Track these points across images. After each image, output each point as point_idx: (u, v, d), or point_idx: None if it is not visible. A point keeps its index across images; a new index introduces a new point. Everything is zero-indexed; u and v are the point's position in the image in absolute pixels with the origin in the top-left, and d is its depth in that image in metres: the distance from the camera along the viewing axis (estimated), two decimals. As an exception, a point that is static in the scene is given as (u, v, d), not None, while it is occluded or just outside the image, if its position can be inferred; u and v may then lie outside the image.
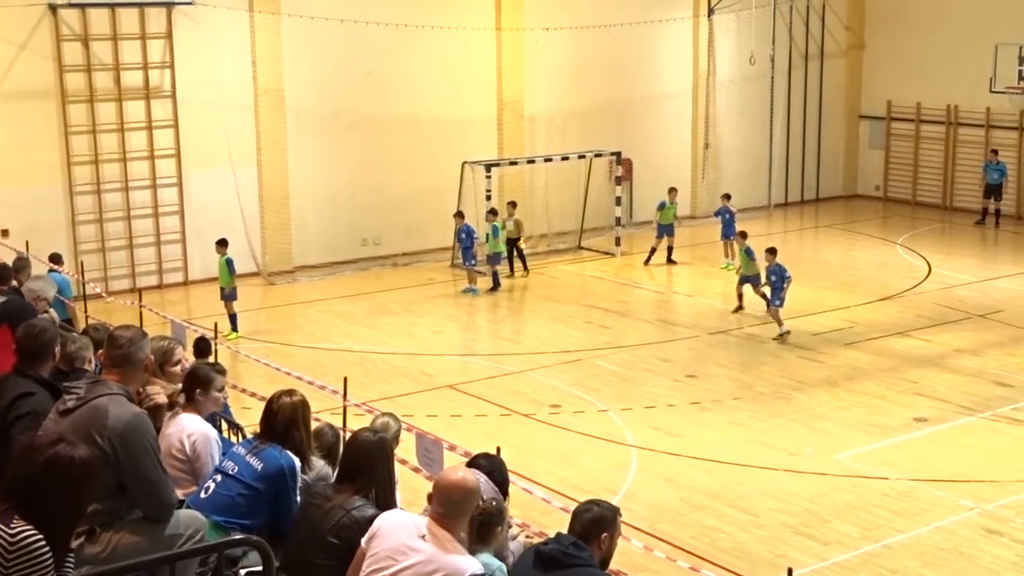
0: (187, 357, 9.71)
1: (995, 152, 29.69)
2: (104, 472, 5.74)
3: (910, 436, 15.74)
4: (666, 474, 14.48)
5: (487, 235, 23.79)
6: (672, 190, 26.08)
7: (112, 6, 22.60)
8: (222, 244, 20.77)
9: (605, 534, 6.01)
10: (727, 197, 25.97)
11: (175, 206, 23.85)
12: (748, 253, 21.15)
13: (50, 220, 22.41)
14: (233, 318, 20.26)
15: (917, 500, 13.62)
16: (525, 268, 24.96)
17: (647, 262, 25.55)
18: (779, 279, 20.19)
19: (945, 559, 12.22)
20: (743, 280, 21.34)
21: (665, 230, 25.54)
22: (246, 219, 24.44)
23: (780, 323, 20.12)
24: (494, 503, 6.28)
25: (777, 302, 20.19)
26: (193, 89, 23.53)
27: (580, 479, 14.24)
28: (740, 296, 21.47)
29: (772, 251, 20.77)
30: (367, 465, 6.49)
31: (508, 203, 25.25)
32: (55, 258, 18.65)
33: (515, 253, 24.78)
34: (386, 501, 6.45)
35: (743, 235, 21.86)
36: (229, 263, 20.43)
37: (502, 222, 24.03)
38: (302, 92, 24.73)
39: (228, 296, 20.33)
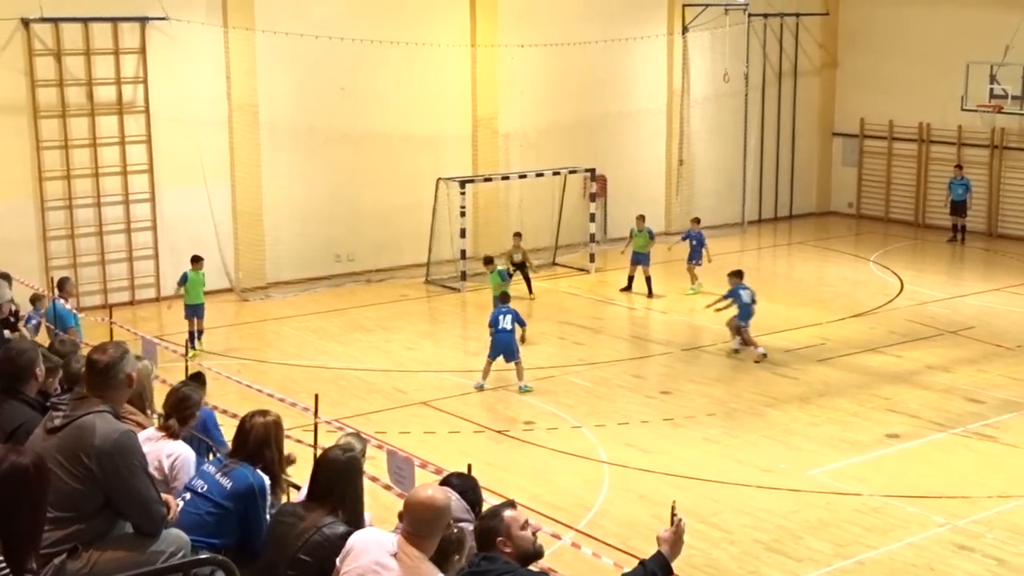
0: (157, 374, 9.70)
1: (960, 167, 29.94)
2: (89, 491, 5.77)
3: (882, 452, 15.79)
4: (639, 491, 14.47)
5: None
6: (639, 217, 25.10)
7: (85, 21, 22.53)
8: (199, 261, 20.72)
9: (500, 538, 5.95)
10: (696, 221, 25.57)
11: (148, 222, 23.76)
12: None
13: (21, 235, 22.26)
14: (200, 334, 20.26)
15: (889, 516, 13.65)
16: (530, 289, 24.64)
17: (624, 290, 24.69)
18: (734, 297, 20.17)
19: (917, 575, 12.25)
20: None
21: (638, 258, 24.48)
22: (219, 235, 24.37)
23: (750, 344, 20.11)
24: (454, 532, 6.23)
25: (743, 323, 20.13)
26: (166, 104, 23.47)
27: (553, 496, 14.23)
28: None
29: (739, 273, 20.65)
30: (337, 483, 6.48)
31: (515, 234, 25.02)
32: (61, 284, 18.08)
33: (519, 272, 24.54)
34: (354, 520, 6.43)
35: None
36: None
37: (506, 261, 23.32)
38: (276, 108, 24.70)
39: (200, 313, 20.36)
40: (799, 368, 19.49)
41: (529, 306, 24.10)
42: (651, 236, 24.77)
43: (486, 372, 18.35)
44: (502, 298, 19.37)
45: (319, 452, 6.90)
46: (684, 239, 25.32)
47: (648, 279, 24.43)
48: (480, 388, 18.35)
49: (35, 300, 17.46)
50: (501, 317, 18.48)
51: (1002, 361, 19.78)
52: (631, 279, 24.66)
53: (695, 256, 24.73)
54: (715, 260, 24.48)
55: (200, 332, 20.36)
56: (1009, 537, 13.03)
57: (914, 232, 31.23)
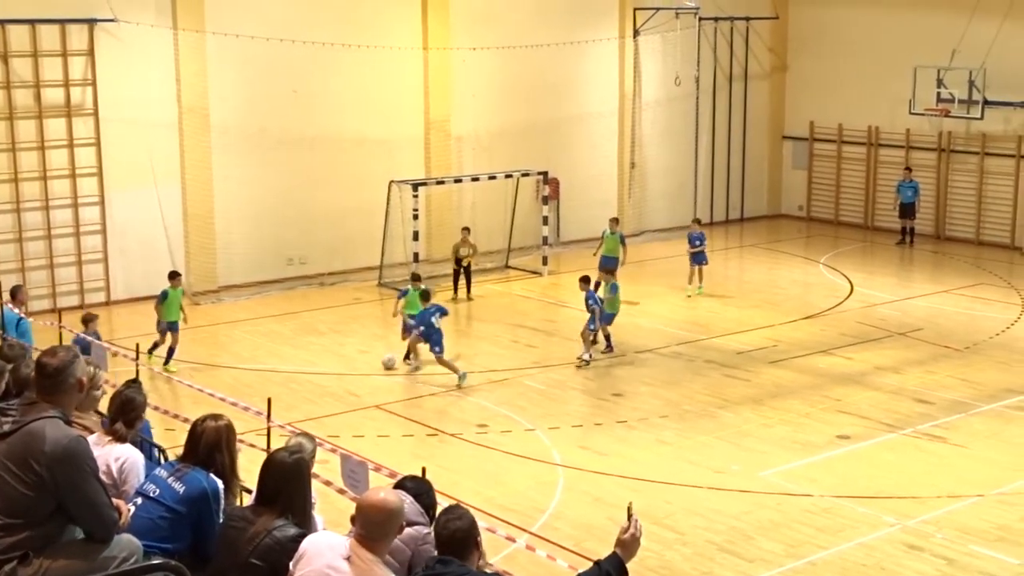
0: (107, 379, 9.60)
1: (909, 170, 30.24)
2: (39, 497, 5.73)
3: (833, 453, 15.92)
4: (593, 493, 14.51)
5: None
6: (612, 220, 24.92)
7: (32, 23, 22.28)
8: (177, 277, 20.04)
9: (479, 538, 6.08)
10: (697, 221, 25.42)
11: (97, 225, 23.52)
12: (613, 289, 20.65)
13: (-32, 239, 22.04)
14: (171, 352, 19.50)
15: (840, 516, 13.77)
16: (469, 291, 24.73)
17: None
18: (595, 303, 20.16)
19: (867, 575, 12.36)
20: (607, 318, 20.52)
21: (605, 262, 23.75)
22: (170, 238, 24.17)
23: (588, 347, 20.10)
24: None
25: (592, 326, 20.10)
26: (116, 107, 23.25)
27: (507, 498, 14.23)
28: (607, 336, 20.60)
29: (587, 279, 20.71)
30: (285, 486, 6.43)
31: (463, 228, 25.11)
32: (14, 292, 17.64)
33: (461, 272, 24.60)
34: (303, 522, 6.40)
35: (611, 272, 21.23)
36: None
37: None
38: (227, 110, 24.53)
39: (176, 328, 19.67)
40: (751, 370, 19.61)
41: (469, 307, 24.16)
42: (622, 240, 24.30)
43: (449, 364, 18.84)
44: (424, 296, 19.55)
45: (269, 456, 6.81)
46: (689, 241, 24.80)
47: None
48: (463, 377, 18.77)
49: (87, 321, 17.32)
50: (435, 318, 19.00)
51: (950, 362, 20.01)
52: (598, 286, 24.02)
53: (701, 257, 24.51)
54: (673, 263, 24.65)
55: (172, 349, 19.48)
56: (958, 537, 13.17)
57: (863, 235, 31.51)
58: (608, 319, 20.53)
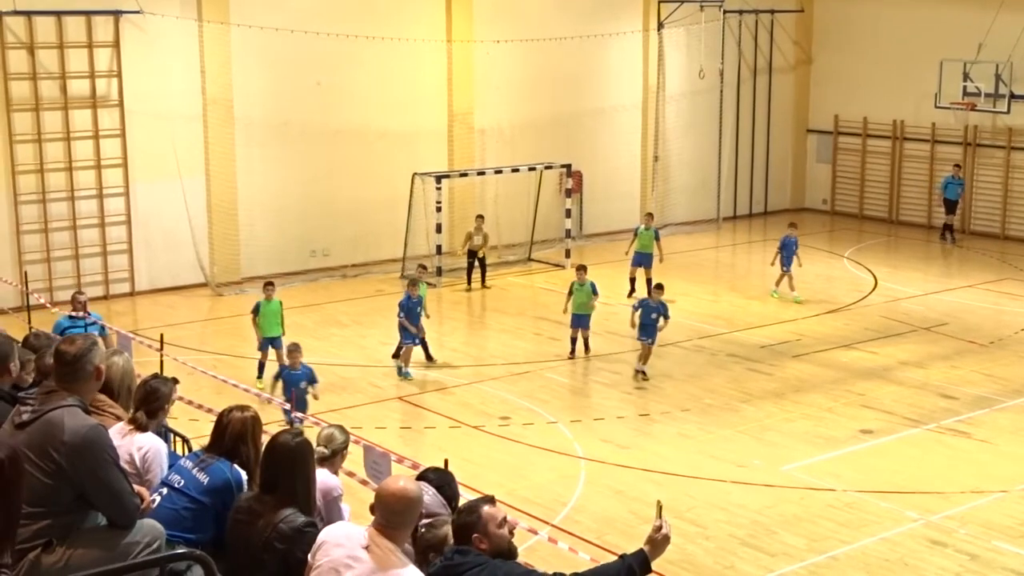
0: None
1: (958, 167, 29.92)
2: (60, 486, 5.75)
3: (856, 448, 15.87)
4: (615, 486, 14.51)
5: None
6: (647, 215, 24.75)
7: (58, 14, 22.39)
8: (271, 286, 18.71)
9: (476, 534, 5.96)
10: (793, 226, 24.50)
11: (122, 216, 23.63)
12: (593, 289, 19.99)
13: (-6, 230, 22.15)
14: (263, 366, 18.20)
15: (863, 511, 13.73)
16: (484, 281, 24.84)
17: (629, 295, 23.17)
18: (660, 316, 19.02)
19: (890, 570, 12.32)
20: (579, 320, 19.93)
21: (641, 259, 23.61)
22: (194, 230, 24.26)
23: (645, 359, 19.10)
24: (431, 531, 6.19)
25: (650, 340, 18.98)
26: (140, 98, 23.35)
27: (529, 491, 14.25)
28: (574, 340, 20.02)
29: (660, 287, 19.74)
30: (289, 471, 6.38)
31: (477, 216, 25.20)
32: (72, 301, 16.41)
33: (475, 264, 24.71)
34: (307, 507, 6.39)
35: (583, 269, 20.44)
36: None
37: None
38: (251, 102, 24.60)
39: (279, 344, 18.03)
40: (774, 364, 19.56)
41: (491, 299, 24.17)
42: (657, 236, 23.73)
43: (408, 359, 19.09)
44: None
45: (271, 440, 6.69)
46: (783, 247, 23.84)
47: (649, 281, 23.12)
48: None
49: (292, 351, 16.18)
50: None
51: (975, 357, 19.91)
52: (633, 282, 23.63)
53: (789, 262, 23.62)
54: (696, 256, 24.57)
55: (262, 365, 18.15)
56: (982, 532, 13.12)
57: (888, 229, 31.37)
58: (581, 322, 19.88)
